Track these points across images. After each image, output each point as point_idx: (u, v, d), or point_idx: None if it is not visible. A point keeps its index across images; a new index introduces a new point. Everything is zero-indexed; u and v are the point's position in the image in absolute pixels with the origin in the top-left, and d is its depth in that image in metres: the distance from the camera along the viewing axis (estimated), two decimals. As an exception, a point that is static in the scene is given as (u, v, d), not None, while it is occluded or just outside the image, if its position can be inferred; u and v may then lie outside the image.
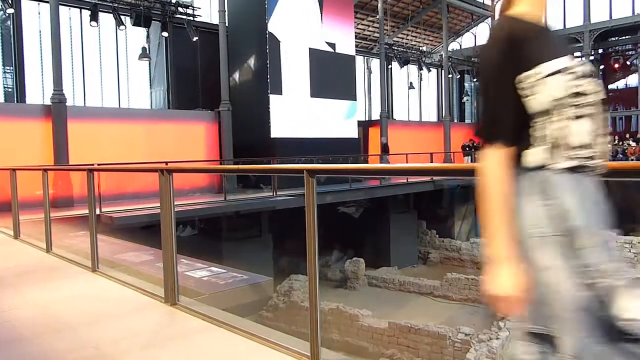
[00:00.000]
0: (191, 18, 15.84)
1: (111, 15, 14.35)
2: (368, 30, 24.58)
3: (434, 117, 28.38)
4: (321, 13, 17.53)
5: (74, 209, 10.34)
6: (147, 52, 15.54)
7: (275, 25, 15.98)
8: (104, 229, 8.25)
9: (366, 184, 16.29)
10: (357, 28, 22.64)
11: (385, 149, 20.39)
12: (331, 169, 3.04)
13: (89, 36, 14.99)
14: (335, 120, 17.84)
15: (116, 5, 14.26)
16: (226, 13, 15.59)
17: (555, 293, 1.18)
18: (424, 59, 25.24)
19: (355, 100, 19.16)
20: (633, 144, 22.30)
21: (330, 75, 17.52)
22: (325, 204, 13.17)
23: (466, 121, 30.35)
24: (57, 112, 11.94)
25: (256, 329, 2.73)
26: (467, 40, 28.98)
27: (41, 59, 14.11)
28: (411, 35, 26.59)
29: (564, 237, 1.20)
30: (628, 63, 25.14)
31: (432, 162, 18.67)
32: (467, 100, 29.88)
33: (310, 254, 2.27)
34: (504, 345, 10.36)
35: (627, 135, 23.98)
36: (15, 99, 13.63)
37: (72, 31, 14.73)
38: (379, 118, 21.60)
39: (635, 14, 23.18)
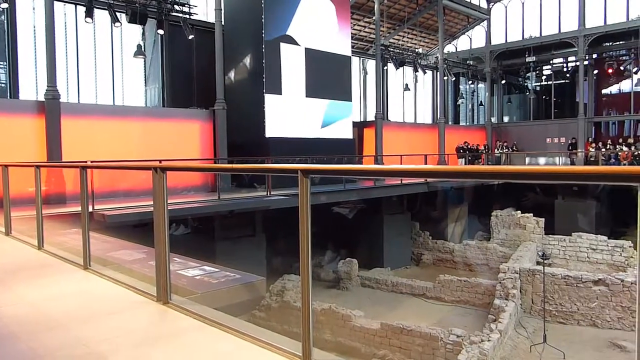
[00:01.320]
0: (187, 16, 15.79)
1: (106, 11, 14.29)
2: (364, 32, 24.63)
3: (428, 119, 28.48)
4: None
5: (66, 206, 10.28)
6: (143, 49, 15.49)
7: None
8: (97, 227, 8.21)
9: (360, 184, 16.31)
10: (353, 29, 22.69)
11: None
12: (325, 169, 3.04)
13: (84, 32, 14.91)
14: (330, 120, 17.85)
15: (112, 1, 14.20)
16: (222, 12, 15.57)
17: None
18: (419, 60, 25.31)
19: (351, 101, 19.18)
20: (625, 148, 22.47)
21: (326, 76, 17.53)
22: (319, 204, 13.16)
23: (461, 123, 30.48)
24: (50, 108, 11.88)
25: (248, 329, 2.73)
26: (462, 43, 29.08)
27: (35, 55, 14.02)
28: (407, 37, 26.67)
29: None
30: (622, 68, 25.36)
31: (426, 163, 18.71)
32: (462, 102, 30.01)
33: (304, 254, 2.27)
34: (495, 348, 10.41)
35: (620, 140, 24.17)
36: (8, 94, 13.55)
37: (66, 27, 14.64)
38: (374, 119, 21.63)
39: (630, 19, 23.35)
